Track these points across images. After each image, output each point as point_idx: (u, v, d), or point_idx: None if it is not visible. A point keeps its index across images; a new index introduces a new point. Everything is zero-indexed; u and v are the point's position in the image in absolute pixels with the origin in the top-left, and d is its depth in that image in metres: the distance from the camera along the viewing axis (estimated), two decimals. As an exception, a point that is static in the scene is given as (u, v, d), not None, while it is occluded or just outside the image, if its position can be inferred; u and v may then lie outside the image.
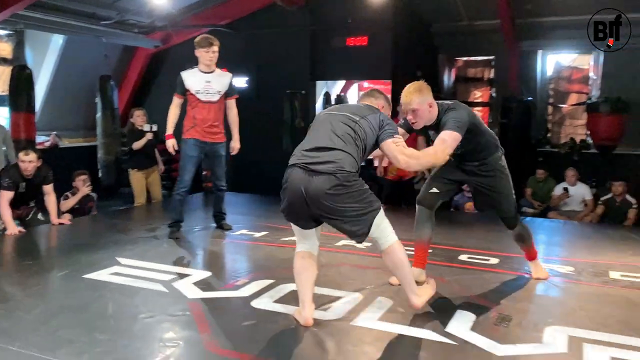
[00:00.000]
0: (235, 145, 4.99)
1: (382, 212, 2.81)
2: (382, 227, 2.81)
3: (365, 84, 12.93)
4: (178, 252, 4.38)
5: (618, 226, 6.23)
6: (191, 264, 4.13)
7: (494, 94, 10.14)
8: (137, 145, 6.41)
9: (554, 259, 4.16)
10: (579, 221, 6.71)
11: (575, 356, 2.52)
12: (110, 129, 8.26)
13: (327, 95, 11.30)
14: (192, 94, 4.73)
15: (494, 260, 4.10)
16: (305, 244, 2.94)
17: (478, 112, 8.97)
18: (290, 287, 3.37)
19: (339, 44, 8.50)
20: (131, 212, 6.40)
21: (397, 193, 6.43)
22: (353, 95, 13.60)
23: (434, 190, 3.47)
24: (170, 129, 4.78)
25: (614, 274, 3.83)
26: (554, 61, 10.32)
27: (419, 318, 2.94)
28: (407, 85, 3.21)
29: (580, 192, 7.17)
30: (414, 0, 9.07)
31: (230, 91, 4.88)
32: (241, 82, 9.02)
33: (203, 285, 3.49)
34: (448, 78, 10.34)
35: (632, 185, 7.00)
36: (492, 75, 10.63)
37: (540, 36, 9.26)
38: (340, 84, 12.68)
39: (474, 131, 3.24)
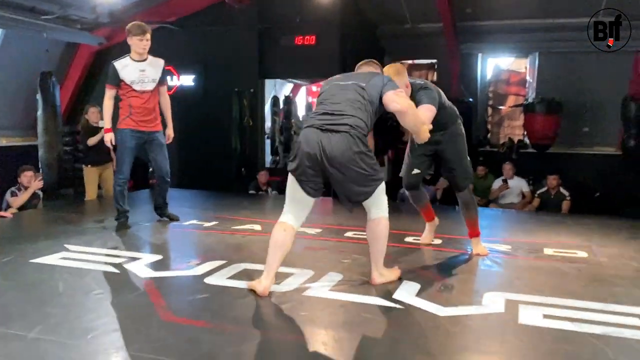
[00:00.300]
0: (170, 133, 4.92)
1: (384, 184, 3.00)
2: (382, 198, 3.02)
3: (314, 87, 13.13)
4: (128, 240, 4.34)
5: (553, 213, 6.61)
6: (142, 249, 4.12)
7: (437, 96, 10.49)
8: (92, 141, 6.37)
9: (493, 239, 4.39)
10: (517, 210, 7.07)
11: (511, 314, 2.72)
12: (52, 127, 8.01)
13: (275, 99, 11.38)
14: (126, 85, 4.60)
15: (437, 241, 4.29)
16: (292, 216, 3.01)
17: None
18: (243, 266, 3.46)
19: (287, 42, 8.60)
20: (80, 206, 6.27)
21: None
22: (301, 98, 13.79)
23: (416, 171, 3.88)
24: (108, 123, 4.67)
25: (548, 251, 4.10)
26: (493, 64, 10.83)
27: (367, 289, 3.07)
28: (386, 68, 3.45)
29: (517, 184, 7.56)
30: (362, 1, 9.32)
31: (163, 78, 4.81)
32: (188, 80, 8.98)
33: (155, 266, 3.51)
34: (394, 80, 10.62)
35: (566, 181, 7.44)
36: (435, 78, 11.02)
37: (480, 40, 9.69)
38: (289, 86, 12.81)
39: (441, 106, 3.58)
